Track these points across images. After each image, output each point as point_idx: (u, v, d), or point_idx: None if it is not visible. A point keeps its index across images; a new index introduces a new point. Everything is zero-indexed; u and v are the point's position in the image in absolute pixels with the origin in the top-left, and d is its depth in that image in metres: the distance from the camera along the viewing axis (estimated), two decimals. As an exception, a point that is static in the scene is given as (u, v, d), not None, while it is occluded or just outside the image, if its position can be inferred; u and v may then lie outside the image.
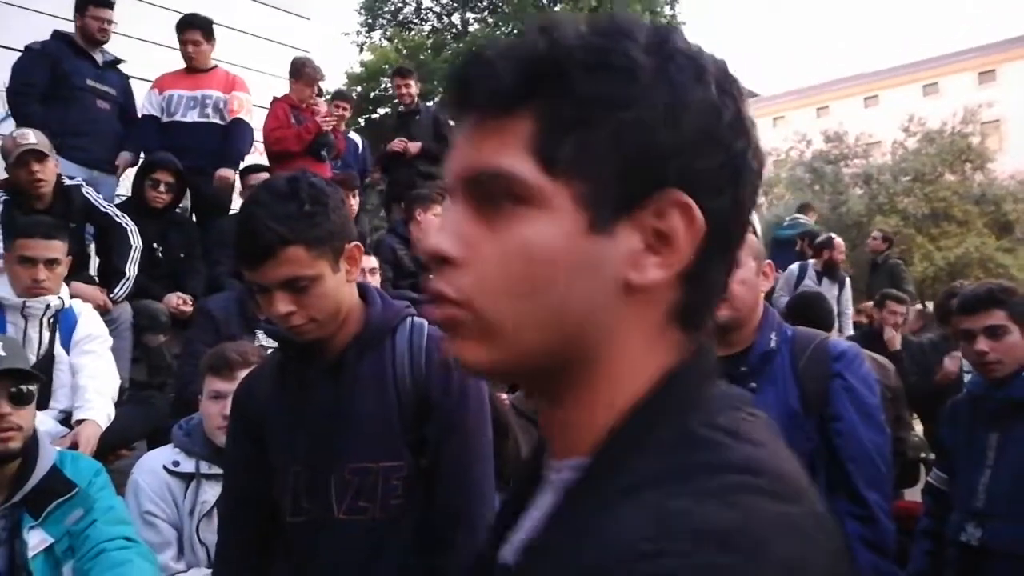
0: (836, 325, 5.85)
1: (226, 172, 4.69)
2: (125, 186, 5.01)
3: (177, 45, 4.88)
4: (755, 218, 1.91)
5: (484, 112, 0.54)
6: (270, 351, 2.84)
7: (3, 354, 1.94)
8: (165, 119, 4.75)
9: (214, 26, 4.95)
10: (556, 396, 0.57)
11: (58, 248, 2.88)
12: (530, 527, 0.59)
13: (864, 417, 1.76)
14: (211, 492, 2.25)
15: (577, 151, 0.51)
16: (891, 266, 7.24)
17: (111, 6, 4.47)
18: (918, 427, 4.78)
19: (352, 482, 1.43)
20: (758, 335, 1.79)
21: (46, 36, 4.40)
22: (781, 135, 26.59)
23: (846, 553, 0.50)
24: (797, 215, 8.16)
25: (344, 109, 6.29)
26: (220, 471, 2.25)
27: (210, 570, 2.20)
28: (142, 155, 4.67)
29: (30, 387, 1.99)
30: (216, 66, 4.99)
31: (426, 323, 1.54)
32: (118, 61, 4.65)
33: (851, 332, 6.08)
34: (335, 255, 1.39)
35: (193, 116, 4.76)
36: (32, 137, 3.47)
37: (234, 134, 4.83)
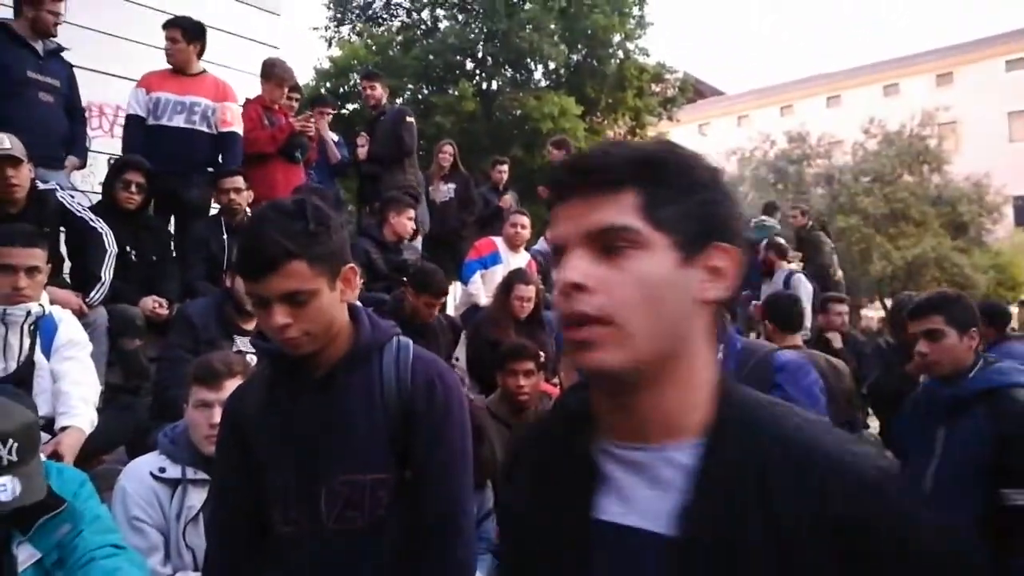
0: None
1: None
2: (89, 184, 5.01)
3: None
4: None
5: (598, 188, 0.80)
6: (254, 363, 2.90)
7: None
8: (151, 121, 4.72)
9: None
10: (654, 392, 0.81)
11: (39, 256, 2.89)
12: (640, 497, 0.80)
13: None
14: (197, 497, 2.30)
15: (670, 214, 0.80)
16: (813, 237, 8.37)
17: None
18: (876, 424, 4.98)
19: (342, 493, 1.50)
20: None
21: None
22: (745, 134, 26.99)
23: None
24: (763, 217, 8.34)
25: (327, 114, 6.31)
26: (206, 477, 2.31)
27: (196, 574, 2.26)
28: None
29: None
30: (205, 71, 4.97)
31: (411, 343, 1.63)
32: (61, 49, 4.43)
33: None
34: (333, 274, 1.47)
35: (179, 121, 4.75)
36: (7, 142, 3.46)
37: (230, 147, 4.87)
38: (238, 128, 4.96)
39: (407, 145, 6.29)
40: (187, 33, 4.79)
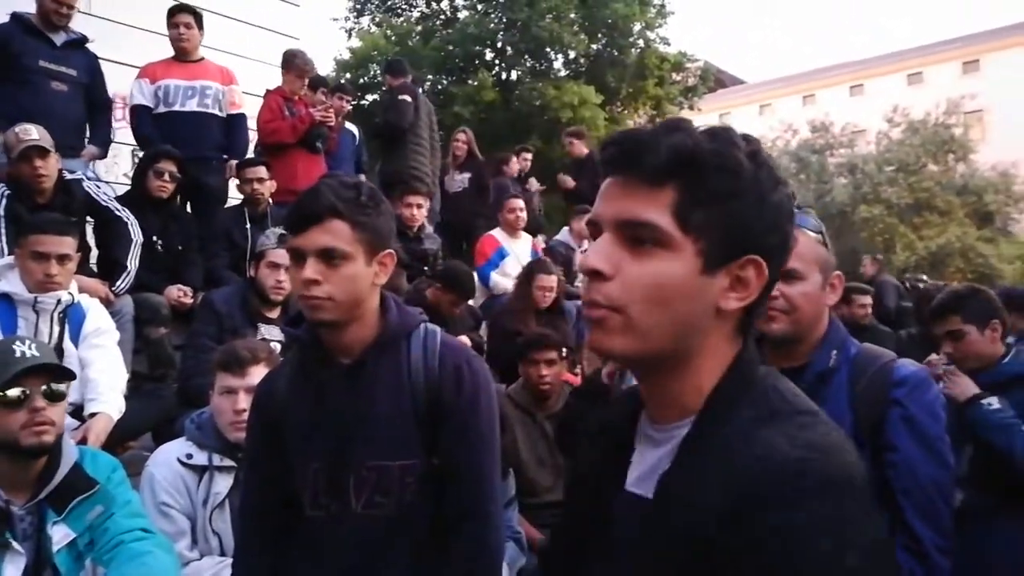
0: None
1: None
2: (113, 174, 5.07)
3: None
4: (822, 226, 1.70)
5: (640, 176, 0.80)
6: (277, 349, 2.93)
7: (37, 354, 2.00)
8: (162, 109, 4.75)
9: (206, 12, 4.99)
10: (663, 379, 0.85)
11: (70, 244, 2.94)
12: (649, 468, 0.86)
13: (923, 449, 1.57)
14: (223, 483, 2.33)
15: (702, 220, 0.79)
16: None
17: None
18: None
19: (370, 479, 1.51)
20: (817, 352, 1.63)
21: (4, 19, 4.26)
22: (767, 123, 26.73)
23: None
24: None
25: (347, 102, 6.31)
26: (231, 463, 2.34)
27: (222, 558, 2.29)
28: (132, 147, 4.71)
29: (61, 386, 2.03)
30: (204, 57, 5.01)
31: (439, 330, 1.64)
32: (85, 40, 4.43)
33: None
34: (372, 251, 1.50)
35: (192, 106, 4.78)
36: (35, 133, 3.51)
37: (238, 129, 4.94)
38: (245, 110, 5.04)
39: (388, 122, 6.27)
40: (197, 19, 4.86)
